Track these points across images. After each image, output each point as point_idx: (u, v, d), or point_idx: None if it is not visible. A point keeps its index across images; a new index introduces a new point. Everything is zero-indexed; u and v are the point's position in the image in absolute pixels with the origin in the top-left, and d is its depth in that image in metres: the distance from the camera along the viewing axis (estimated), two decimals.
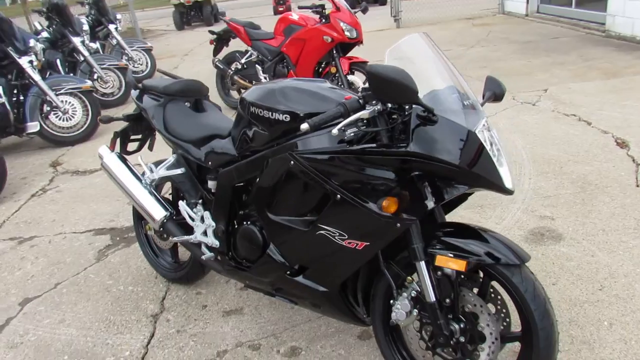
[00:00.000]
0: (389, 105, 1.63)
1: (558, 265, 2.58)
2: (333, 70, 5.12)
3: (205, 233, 2.35)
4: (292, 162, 1.82)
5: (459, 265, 1.66)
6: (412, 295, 1.77)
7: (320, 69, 5.35)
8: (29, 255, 3.31)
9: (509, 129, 4.44)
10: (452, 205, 2.00)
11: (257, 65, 5.61)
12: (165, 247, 2.79)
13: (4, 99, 5.03)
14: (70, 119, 5.47)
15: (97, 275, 2.98)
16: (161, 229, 2.48)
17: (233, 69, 5.80)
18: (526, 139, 4.18)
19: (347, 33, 4.98)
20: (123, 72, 6.98)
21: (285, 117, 1.88)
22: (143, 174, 2.61)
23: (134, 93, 2.64)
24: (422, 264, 1.70)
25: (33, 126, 5.17)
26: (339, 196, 1.73)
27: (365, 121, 1.63)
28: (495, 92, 1.92)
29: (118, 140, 2.75)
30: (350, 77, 5.10)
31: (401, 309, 1.76)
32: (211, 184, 2.30)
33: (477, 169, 1.57)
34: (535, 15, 10.07)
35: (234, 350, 2.28)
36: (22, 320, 2.65)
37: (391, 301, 1.82)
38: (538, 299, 1.62)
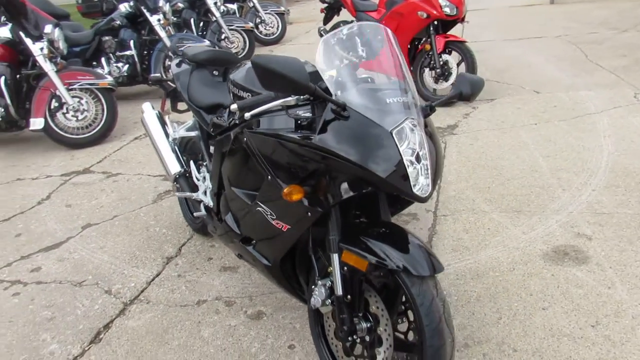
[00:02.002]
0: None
1: (561, 290, 2.32)
2: (427, 47, 4.92)
3: (205, 193, 2.58)
4: (245, 139, 1.92)
5: (360, 264, 1.65)
6: (328, 285, 1.79)
7: (417, 45, 5.17)
8: (107, 188, 3.89)
9: (605, 131, 3.89)
10: (402, 205, 1.94)
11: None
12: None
13: (134, 52, 5.80)
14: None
15: (146, 215, 3.42)
16: (174, 182, 2.77)
17: None
18: (619, 144, 3.64)
19: (445, 10, 4.72)
20: (249, 34, 7.49)
21: (248, 95, 1.98)
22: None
23: (175, 59, 2.91)
24: (335, 256, 1.71)
25: (156, 76, 5.86)
26: (269, 177, 1.80)
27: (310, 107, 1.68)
28: (462, 92, 1.80)
29: (168, 99, 3.07)
30: (444, 57, 4.86)
31: (317, 296, 1.80)
32: (212, 149, 2.49)
33: (380, 170, 1.52)
34: None
35: (212, 302, 2.50)
36: (77, 240, 3.19)
37: (312, 286, 1.86)
38: (432, 315, 1.54)
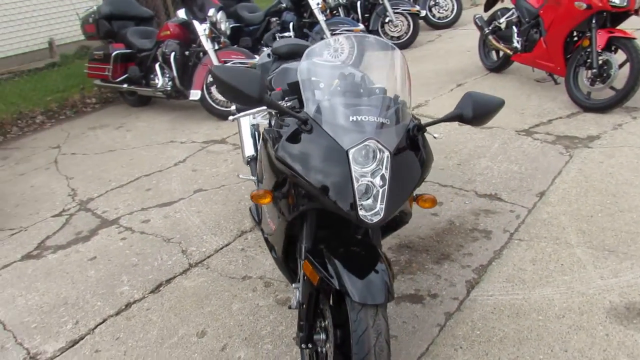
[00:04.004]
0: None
1: (606, 355, 1.95)
2: (586, 43, 4.26)
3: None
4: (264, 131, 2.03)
5: (313, 276, 1.66)
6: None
7: (576, 40, 4.51)
8: (230, 159, 4.36)
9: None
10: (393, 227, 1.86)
11: (513, 27, 5.13)
12: None
13: (291, 34, 6.22)
14: (339, 56, 6.29)
15: (245, 190, 3.77)
16: (247, 164, 3.01)
17: (490, 28, 5.44)
18: None
19: (614, 0, 4.02)
20: (414, 17, 7.36)
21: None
22: None
23: (267, 50, 3.11)
24: (300, 263, 1.74)
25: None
26: (263, 177, 1.89)
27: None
28: (462, 114, 1.63)
29: None
30: (605, 55, 4.16)
31: (293, 299, 1.86)
32: None
33: (326, 189, 1.50)
34: None
35: (254, 279, 2.72)
36: (185, 202, 3.70)
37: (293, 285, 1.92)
38: (361, 344, 1.50)
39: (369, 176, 1.50)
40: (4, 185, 4.46)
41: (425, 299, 2.42)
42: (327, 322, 1.71)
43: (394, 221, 1.81)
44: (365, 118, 1.56)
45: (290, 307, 1.90)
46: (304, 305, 1.74)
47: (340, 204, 1.49)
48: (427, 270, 2.62)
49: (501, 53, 5.40)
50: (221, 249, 3.04)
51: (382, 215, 1.50)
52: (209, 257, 2.98)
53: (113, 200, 3.85)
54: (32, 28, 8.22)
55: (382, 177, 1.50)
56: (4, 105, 6.41)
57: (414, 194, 1.83)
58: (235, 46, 5.86)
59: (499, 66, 5.55)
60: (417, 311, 2.34)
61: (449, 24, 8.35)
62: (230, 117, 1.86)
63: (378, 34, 7.32)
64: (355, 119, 1.55)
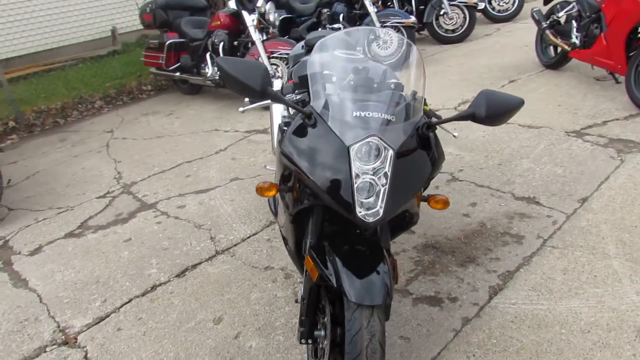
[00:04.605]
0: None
1: None
2: None
3: None
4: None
5: (313, 273, 1.64)
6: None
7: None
8: (268, 149, 4.40)
9: None
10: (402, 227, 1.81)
11: (573, 22, 4.84)
12: None
13: (341, 25, 6.17)
14: (387, 49, 6.18)
15: None
16: (275, 153, 3.02)
17: (548, 22, 5.16)
18: None
19: None
20: (471, 10, 7.11)
21: None
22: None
23: (300, 43, 3.09)
24: (307, 258, 1.73)
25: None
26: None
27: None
28: (474, 112, 1.56)
29: None
30: None
31: (299, 292, 1.86)
32: None
33: (324, 184, 1.47)
34: None
35: (276, 270, 2.73)
36: (220, 190, 3.77)
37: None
38: (354, 344, 1.48)
39: (372, 174, 1.46)
40: (59, 166, 4.72)
41: (444, 302, 2.35)
42: (326, 319, 1.69)
43: (402, 221, 1.76)
44: (369, 114, 1.52)
45: (296, 301, 1.89)
46: (305, 301, 1.73)
47: (338, 201, 1.47)
48: (450, 272, 2.54)
49: (559, 49, 5.12)
50: (248, 237, 3.08)
51: (380, 215, 1.46)
52: (235, 245, 3.03)
53: (154, 185, 3.99)
54: (96, 17, 8.62)
55: (385, 176, 1.46)
56: (67, 90, 6.77)
57: (426, 194, 1.77)
58: (286, 37, 5.89)
59: (556, 62, 5.27)
60: (434, 314, 2.28)
61: (509, 18, 8.00)
62: (241, 109, 1.87)
63: (432, 27, 7.14)
64: (359, 115, 1.52)
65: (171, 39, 6.09)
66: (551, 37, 5.08)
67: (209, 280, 2.72)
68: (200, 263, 2.89)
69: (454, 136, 1.84)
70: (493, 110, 1.54)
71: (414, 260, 2.66)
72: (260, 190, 1.73)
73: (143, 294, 2.68)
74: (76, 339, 2.42)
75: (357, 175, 1.45)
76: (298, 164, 1.53)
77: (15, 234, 3.50)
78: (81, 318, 2.55)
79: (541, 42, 5.47)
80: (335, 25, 6.27)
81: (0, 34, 7.26)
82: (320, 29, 6.42)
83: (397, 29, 6.15)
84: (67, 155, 4.98)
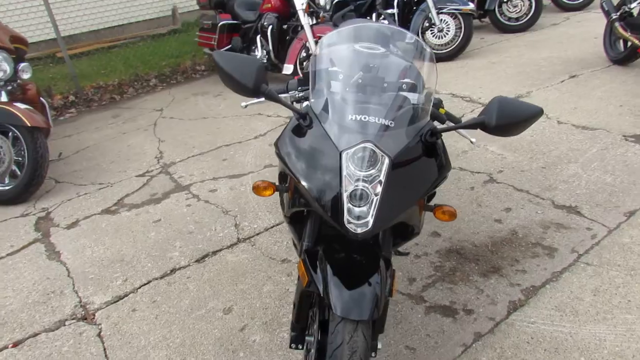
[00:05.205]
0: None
1: None
2: None
3: None
4: None
5: (303, 278, 1.58)
6: None
7: None
8: None
9: None
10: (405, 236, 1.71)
11: None
12: None
13: (395, 11, 5.97)
14: (443, 37, 5.95)
15: None
16: None
17: (619, 14, 4.75)
18: None
19: None
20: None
21: None
22: None
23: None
24: (300, 261, 1.68)
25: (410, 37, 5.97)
26: None
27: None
28: (484, 121, 1.43)
29: None
30: None
31: None
32: None
33: (314, 190, 1.41)
34: None
35: (292, 264, 2.71)
36: (253, 176, 3.77)
37: None
38: (333, 358, 1.40)
39: (366, 182, 1.37)
40: (108, 142, 4.90)
41: (459, 313, 2.23)
42: (316, 326, 1.64)
43: (404, 232, 1.66)
44: (366, 118, 1.42)
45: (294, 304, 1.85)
46: (296, 306, 1.68)
47: (325, 208, 1.40)
48: (470, 282, 2.41)
49: (628, 43, 4.71)
50: (271, 227, 3.07)
51: (369, 227, 1.37)
52: (257, 234, 3.02)
53: (191, 167, 4.05)
54: None
55: (374, 186, 1.37)
56: (125, 67, 7.00)
57: (433, 204, 1.66)
58: (357, 18, 5.75)
59: (624, 58, 4.85)
60: (446, 326, 2.17)
61: (582, 6, 7.48)
62: (243, 103, 1.82)
63: (494, 15, 6.78)
64: (356, 118, 1.43)
65: (223, 20, 6.12)
66: (620, 30, 4.67)
67: (226, 268, 2.73)
68: (220, 250, 2.91)
69: (471, 142, 1.71)
70: (505, 119, 1.41)
71: (434, 266, 2.55)
72: (257, 190, 1.68)
73: (162, 277, 2.73)
74: (94, 315, 2.51)
75: (350, 182, 1.37)
76: (290, 165, 1.47)
77: (58, 206, 3.67)
78: (101, 295, 2.64)
79: (610, 35, 5.06)
80: (389, 11, 6.08)
81: (65, 12, 7.59)
82: (375, 13, 6.25)
83: (454, 15, 5.89)
84: (117, 132, 5.16)
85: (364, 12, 6.46)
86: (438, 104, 1.71)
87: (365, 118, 1.43)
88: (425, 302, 2.32)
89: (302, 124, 1.50)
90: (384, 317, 1.62)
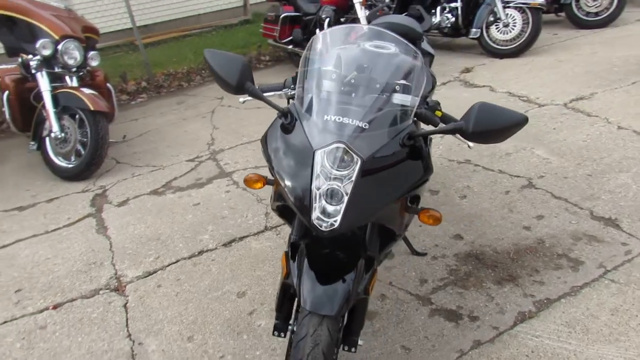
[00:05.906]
0: None
1: None
2: None
3: None
4: None
5: (283, 270, 1.65)
6: None
7: None
8: None
9: None
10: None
11: None
12: None
13: (458, 5, 5.80)
14: (509, 32, 5.70)
15: None
16: None
17: None
18: None
19: None
20: None
21: None
22: None
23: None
24: (284, 253, 1.74)
25: (475, 32, 5.78)
26: None
27: None
28: (461, 127, 1.42)
29: None
30: None
31: None
32: None
33: (288, 187, 1.46)
34: None
35: None
36: None
37: None
38: (297, 349, 1.48)
39: (338, 181, 1.40)
40: (169, 127, 5.20)
41: (463, 319, 2.19)
42: (293, 316, 1.69)
43: (386, 235, 1.67)
44: (340, 119, 1.45)
45: None
46: (278, 295, 1.74)
47: (297, 204, 1.44)
48: (482, 288, 2.35)
49: None
50: (268, 229, 3.14)
51: (336, 225, 1.40)
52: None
53: (237, 155, 4.22)
54: None
55: (345, 186, 1.40)
56: (194, 56, 7.34)
57: (419, 207, 1.65)
58: (404, 14, 5.70)
59: None
60: (447, 330, 2.14)
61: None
62: (241, 99, 1.88)
63: (570, 9, 6.38)
64: (331, 119, 1.45)
65: (286, 12, 6.25)
66: None
67: (249, 254, 2.85)
68: (247, 236, 3.03)
69: (469, 147, 1.67)
70: (483, 126, 1.37)
71: (449, 269, 2.51)
72: (248, 182, 1.75)
73: (190, 257, 2.90)
74: (125, 287, 2.72)
75: (324, 181, 1.41)
76: (271, 161, 1.53)
77: (114, 185, 3.97)
78: (134, 270, 2.85)
79: None
80: (453, 4, 5.91)
81: (142, 2, 8.06)
82: (439, 7, 6.11)
83: (521, 10, 5.62)
84: (178, 118, 5.45)
85: (429, 5, 6.32)
86: (434, 106, 1.69)
87: (339, 119, 1.45)
88: (431, 304, 2.30)
89: (284, 122, 1.55)
90: (362, 314, 1.64)
